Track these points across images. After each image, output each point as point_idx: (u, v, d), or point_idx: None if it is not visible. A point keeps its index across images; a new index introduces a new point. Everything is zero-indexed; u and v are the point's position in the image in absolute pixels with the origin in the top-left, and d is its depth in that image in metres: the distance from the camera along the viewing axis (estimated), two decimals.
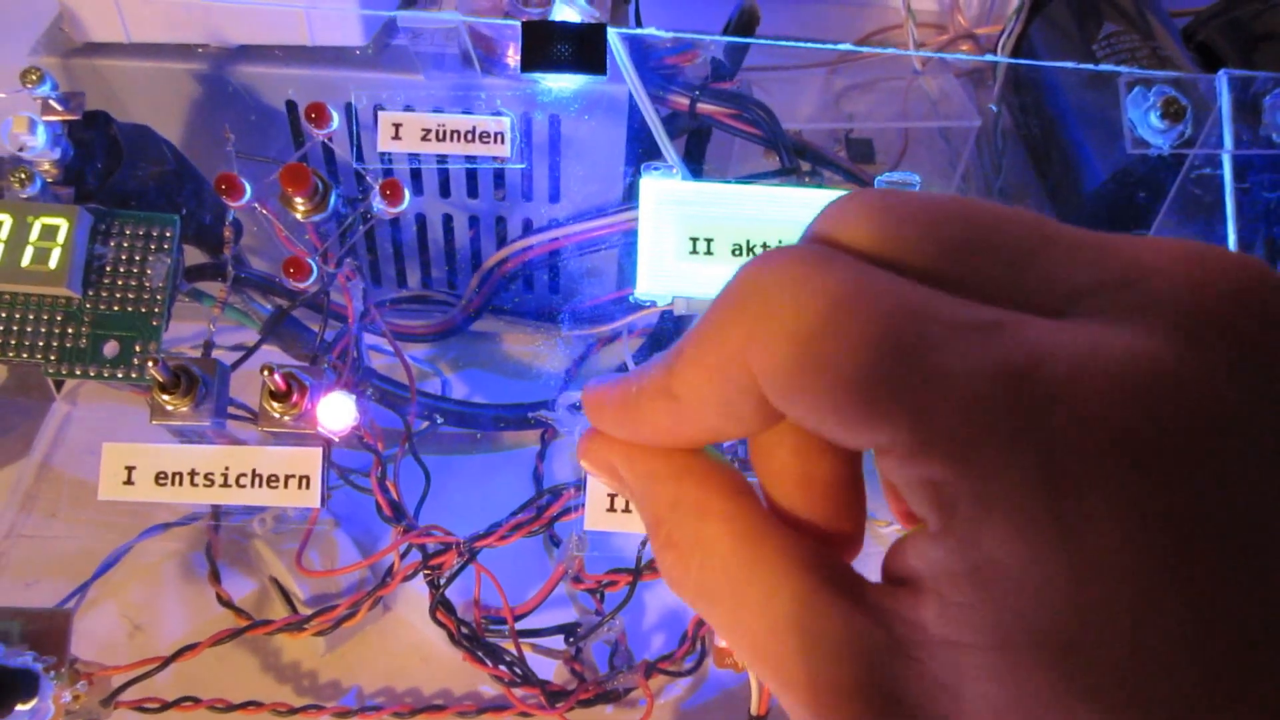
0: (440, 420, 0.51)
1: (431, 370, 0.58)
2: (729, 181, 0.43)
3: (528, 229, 0.55)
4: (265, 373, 0.37)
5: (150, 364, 0.36)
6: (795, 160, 0.54)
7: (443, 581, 0.43)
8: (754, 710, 0.41)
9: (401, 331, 0.55)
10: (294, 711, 0.45)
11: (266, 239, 0.51)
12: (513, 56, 0.49)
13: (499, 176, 0.53)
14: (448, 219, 0.56)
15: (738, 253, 0.41)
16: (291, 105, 0.50)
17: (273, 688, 0.47)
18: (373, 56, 0.50)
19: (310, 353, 0.45)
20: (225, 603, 0.45)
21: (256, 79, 0.49)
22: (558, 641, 0.47)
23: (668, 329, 0.61)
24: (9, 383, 0.56)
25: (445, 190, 0.54)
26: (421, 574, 0.43)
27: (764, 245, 0.41)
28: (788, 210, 0.41)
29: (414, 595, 0.48)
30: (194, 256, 0.46)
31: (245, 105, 0.50)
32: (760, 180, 0.53)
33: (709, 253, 0.41)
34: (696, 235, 0.41)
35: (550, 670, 0.47)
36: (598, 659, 0.48)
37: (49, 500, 0.51)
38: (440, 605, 0.44)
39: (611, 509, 0.39)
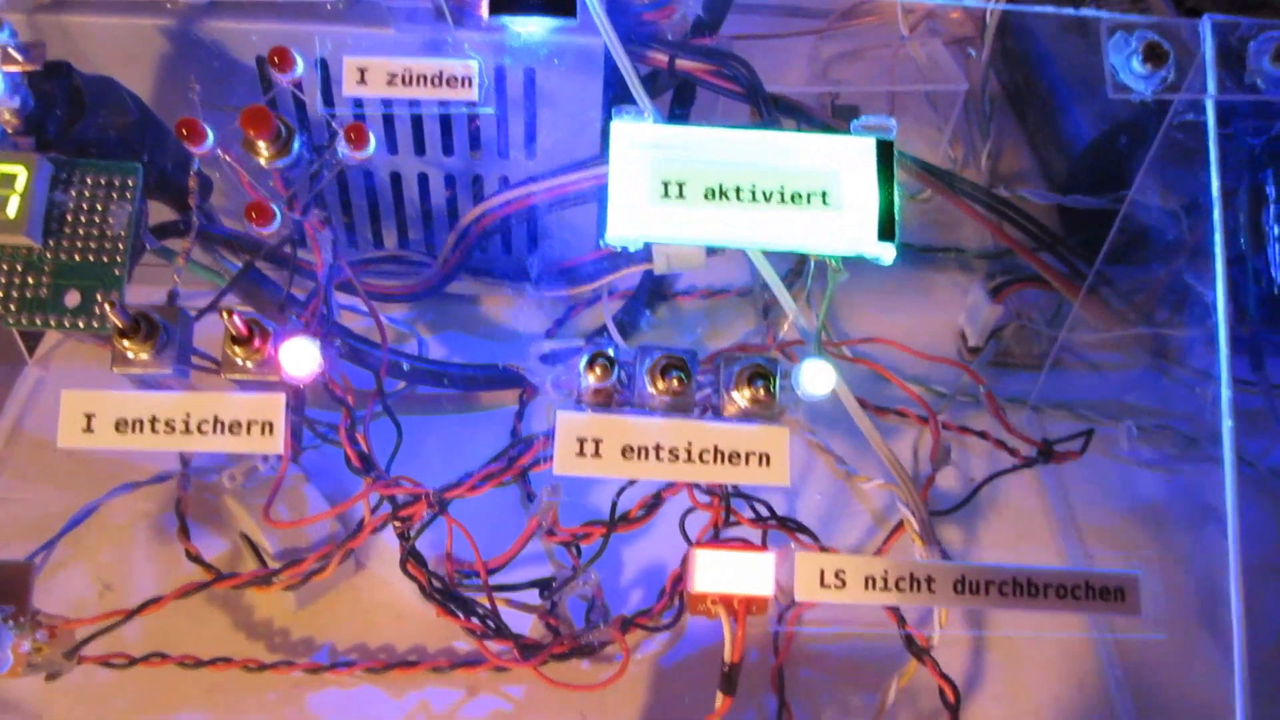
0: (407, 368, 0.50)
1: (409, 332, 0.57)
2: (701, 125, 0.42)
3: (504, 186, 0.55)
4: (225, 315, 0.36)
5: (107, 305, 0.36)
6: (774, 114, 0.54)
7: (413, 533, 0.43)
8: (727, 658, 0.40)
9: (377, 291, 0.54)
10: (264, 667, 0.44)
11: (234, 192, 0.50)
12: (484, 6, 0.49)
13: (474, 134, 0.53)
14: (423, 178, 0.55)
15: (711, 197, 0.40)
16: (261, 60, 0.49)
17: (244, 645, 0.46)
18: (343, 11, 0.49)
19: (278, 305, 0.44)
20: (194, 558, 0.44)
21: (225, 34, 0.49)
22: (533, 597, 0.46)
23: (647, 289, 0.60)
24: None
25: (420, 147, 0.53)
26: (391, 526, 0.43)
27: (738, 190, 0.41)
28: (763, 154, 0.41)
29: (388, 552, 0.48)
30: (163, 215, 0.46)
31: (213, 61, 0.49)
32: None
33: (681, 196, 0.40)
34: (669, 179, 0.40)
35: (526, 626, 0.47)
36: (574, 615, 0.47)
37: (20, 463, 0.51)
38: (410, 557, 0.43)
39: (581, 454, 0.38)
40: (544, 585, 0.46)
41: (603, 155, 0.53)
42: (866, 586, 0.39)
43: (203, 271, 0.48)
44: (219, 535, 0.48)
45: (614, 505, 0.44)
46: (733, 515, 0.44)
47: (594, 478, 0.48)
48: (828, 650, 0.49)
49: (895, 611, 0.45)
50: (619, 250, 0.42)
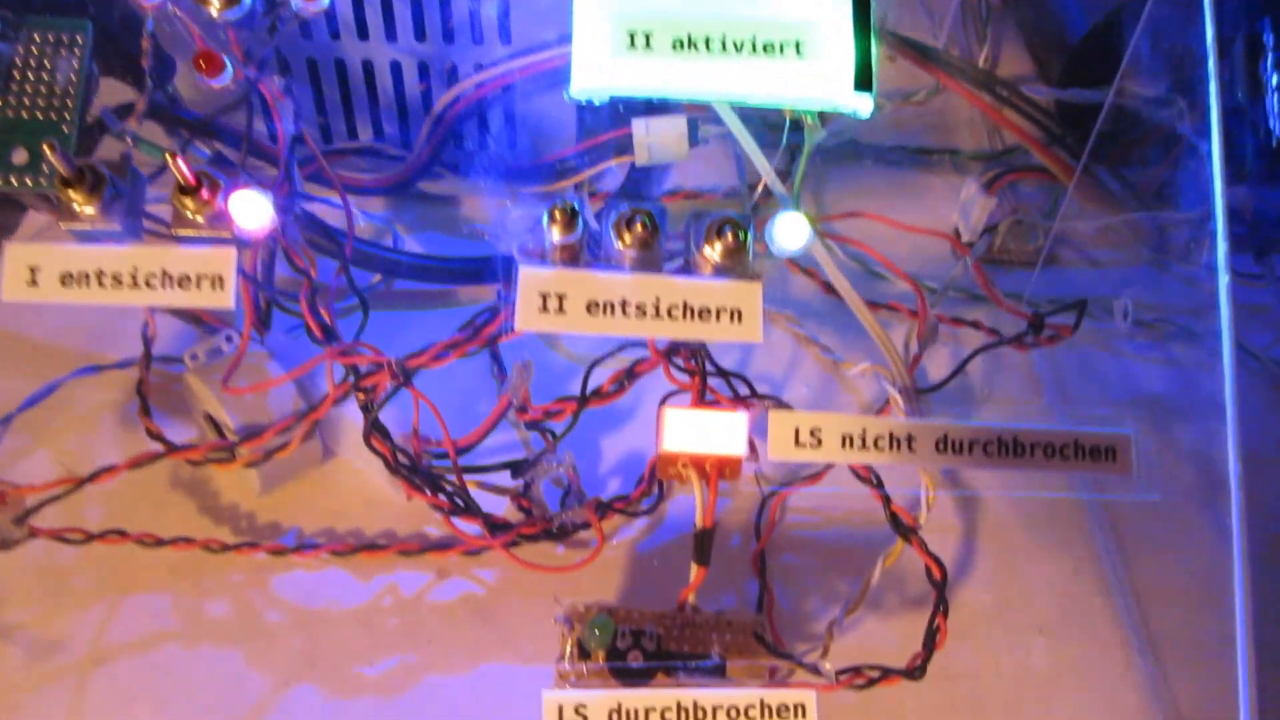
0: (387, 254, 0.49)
1: (385, 227, 0.56)
2: None
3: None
4: (170, 158, 0.35)
5: (47, 148, 0.34)
6: None
7: (376, 405, 0.41)
8: (698, 523, 0.39)
9: (349, 183, 0.53)
10: (227, 548, 0.43)
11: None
12: None
13: (446, 17, 0.51)
14: (396, 67, 0.53)
15: (679, 48, 0.39)
16: None
17: (209, 528, 0.45)
18: None
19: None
20: (154, 435, 0.43)
21: None
22: (507, 480, 0.45)
23: (631, 186, 0.58)
24: None
25: (391, 32, 0.51)
26: (355, 398, 0.42)
27: (707, 40, 0.39)
28: (733, 2, 0.39)
29: (358, 437, 0.46)
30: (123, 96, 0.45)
31: None
32: None
33: (648, 47, 0.39)
34: (635, 30, 0.39)
35: (500, 511, 0.45)
36: (551, 502, 0.46)
37: None
38: (374, 430, 0.42)
39: (544, 309, 0.37)
40: (515, 466, 0.44)
41: None
42: (844, 445, 0.37)
43: (145, 147, 0.46)
44: (185, 423, 0.47)
45: (585, 379, 0.42)
46: (711, 394, 0.43)
47: (568, 365, 0.47)
48: (812, 536, 0.47)
49: (880, 490, 0.43)
50: (586, 103, 0.40)
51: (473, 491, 0.44)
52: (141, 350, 0.46)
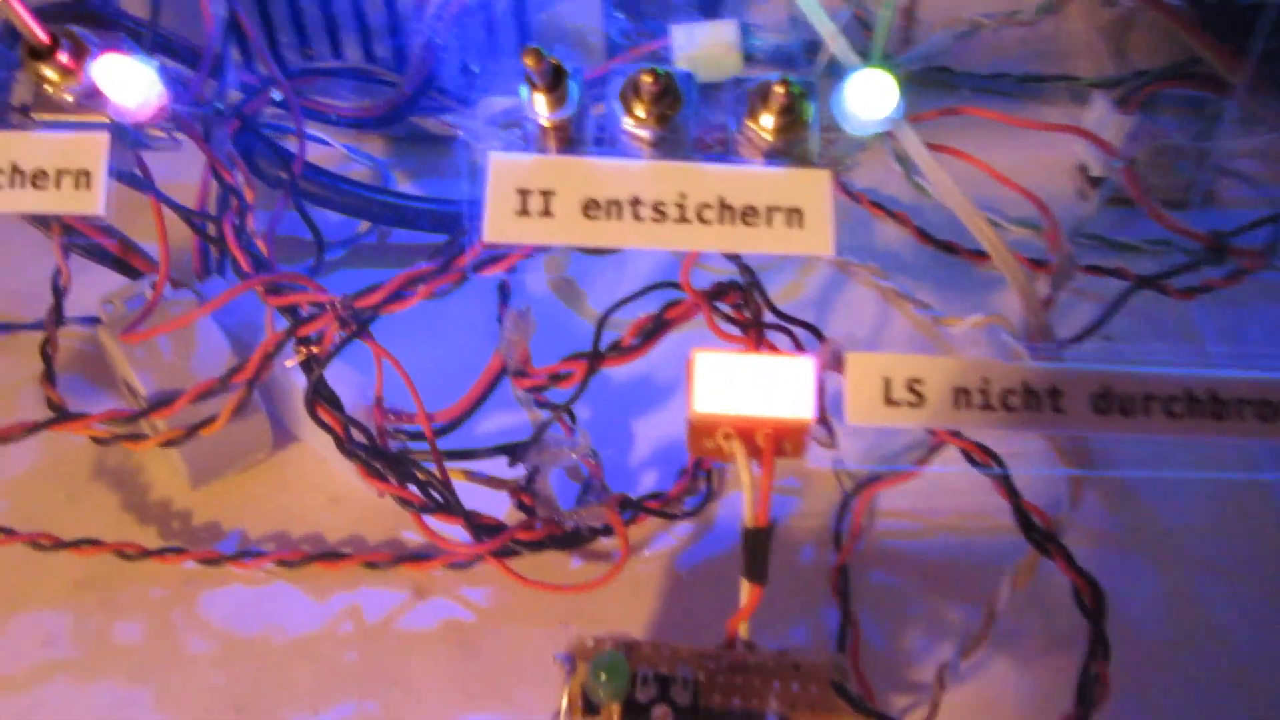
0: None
1: (379, 170, 0.46)
2: None
3: None
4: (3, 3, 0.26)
5: None
6: None
7: (320, 362, 0.31)
8: (747, 521, 0.27)
9: (325, 110, 0.43)
10: (147, 554, 0.34)
11: None
12: None
13: None
14: None
15: None
16: None
17: (133, 528, 0.35)
18: None
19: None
20: (54, 406, 0.33)
21: None
22: (507, 471, 0.34)
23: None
24: None
25: None
26: (294, 351, 0.31)
27: None
28: None
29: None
30: None
31: None
32: None
33: None
34: None
35: (503, 513, 0.35)
36: (567, 501, 0.35)
37: None
38: (318, 396, 0.31)
39: (524, 212, 0.26)
40: (514, 451, 0.34)
41: None
42: (957, 403, 0.26)
43: None
44: (91, 381, 0.38)
45: (598, 330, 0.31)
46: (767, 349, 0.32)
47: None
48: (913, 548, 0.35)
49: (1006, 481, 0.31)
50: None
51: (461, 485, 0.33)
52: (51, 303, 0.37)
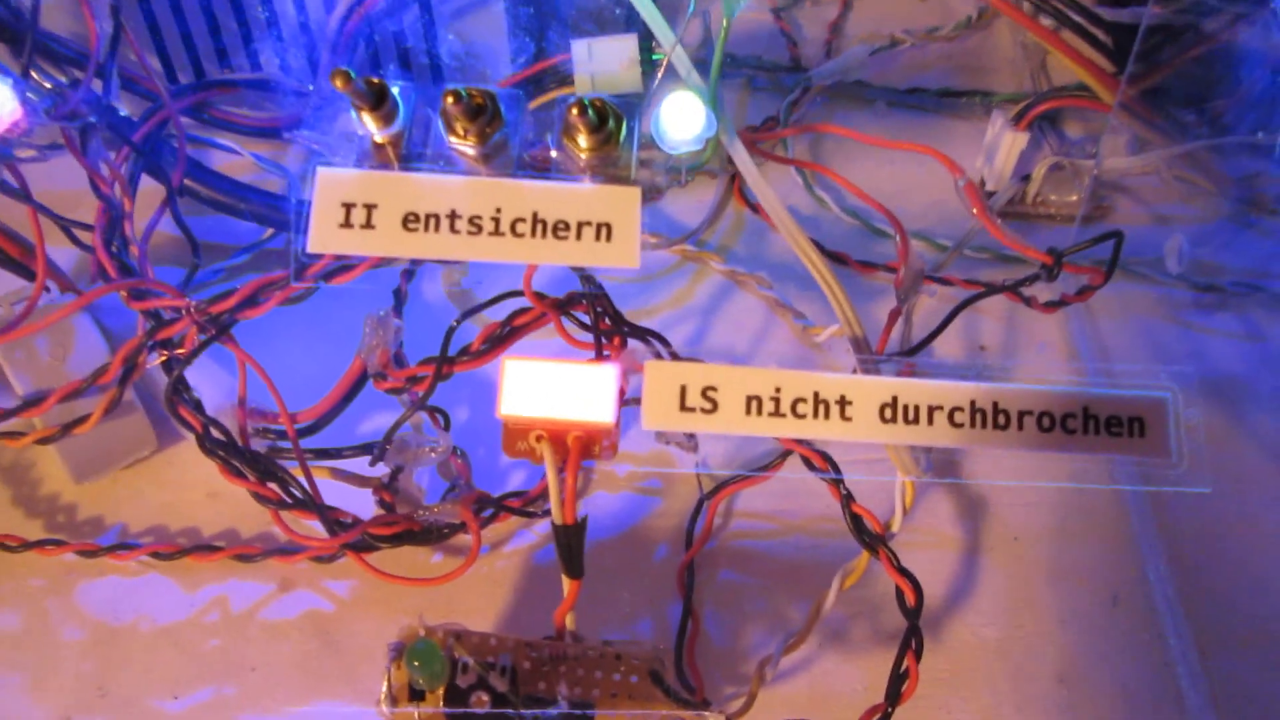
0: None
1: (284, 177, 0.47)
2: None
3: None
4: None
5: None
6: None
7: (178, 361, 0.33)
8: (555, 518, 0.29)
9: (231, 120, 0.45)
10: (27, 546, 0.35)
11: None
12: None
13: None
14: None
15: None
16: None
17: (20, 521, 0.37)
18: None
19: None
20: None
21: None
22: (374, 470, 0.36)
23: None
24: None
25: None
26: (153, 352, 0.33)
27: None
28: None
29: None
30: None
31: None
32: None
33: None
34: None
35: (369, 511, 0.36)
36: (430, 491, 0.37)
37: None
38: (176, 394, 0.33)
39: (347, 224, 0.28)
40: (373, 450, 0.35)
41: None
42: (749, 409, 0.27)
43: None
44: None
45: (448, 334, 0.33)
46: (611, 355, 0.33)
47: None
48: (762, 548, 0.37)
49: (838, 483, 0.33)
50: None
51: (328, 483, 0.35)
52: None
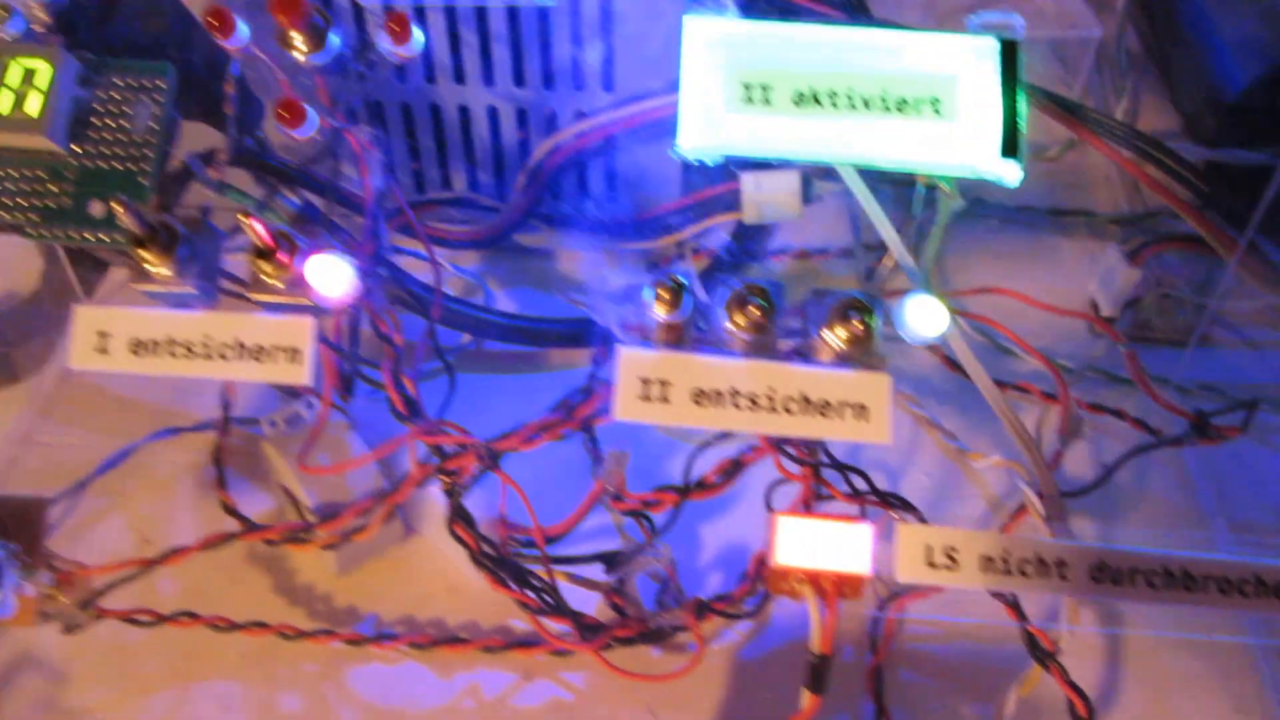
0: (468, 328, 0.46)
1: (477, 283, 0.53)
2: (790, 21, 0.36)
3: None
4: (243, 219, 0.32)
5: (117, 206, 0.32)
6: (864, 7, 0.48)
7: (460, 488, 0.38)
8: (814, 648, 0.34)
9: (440, 236, 0.50)
10: (302, 635, 0.40)
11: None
12: None
13: (547, 62, 0.48)
14: (493, 113, 0.50)
15: (800, 102, 0.35)
16: None
17: (283, 610, 0.42)
18: None
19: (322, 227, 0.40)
20: (229, 509, 0.40)
21: None
22: (600, 574, 0.41)
23: (735, 243, 0.54)
24: (40, 290, 0.53)
25: (489, 76, 0.49)
26: (438, 481, 0.38)
27: (833, 95, 0.35)
28: (863, 55, 0.35)
29: (441, 518, 0.43)
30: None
31: None
32: None
33: (766, 102, 0.35)
34: (751, 82, 0.35)
35: (590, 607, 0.41)
36: (645, 598, 0.42)
37: (68, 407, 0.48)
38: (458, 517, 0.38)
39: (645, 397, 0.33)
40: (610, 559, 0.40)
41: None
42: (983, 568, 0.33)
43: (231, 193, 0.43)
44: (263, 490, 0.44)
45: (688, 470, 0.38)
46: (825, 487, 0.38)
47: (677, 442, 0.43)
48: (935, 651, 0.42)
49: (1015, 607, 0.38)
50: (696, 163, 0.36)
51: (559, 584, 0.40)
52: (220, 413, 0.43)
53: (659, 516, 0.40)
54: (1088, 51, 0.61)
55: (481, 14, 0.46)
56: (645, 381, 0.33)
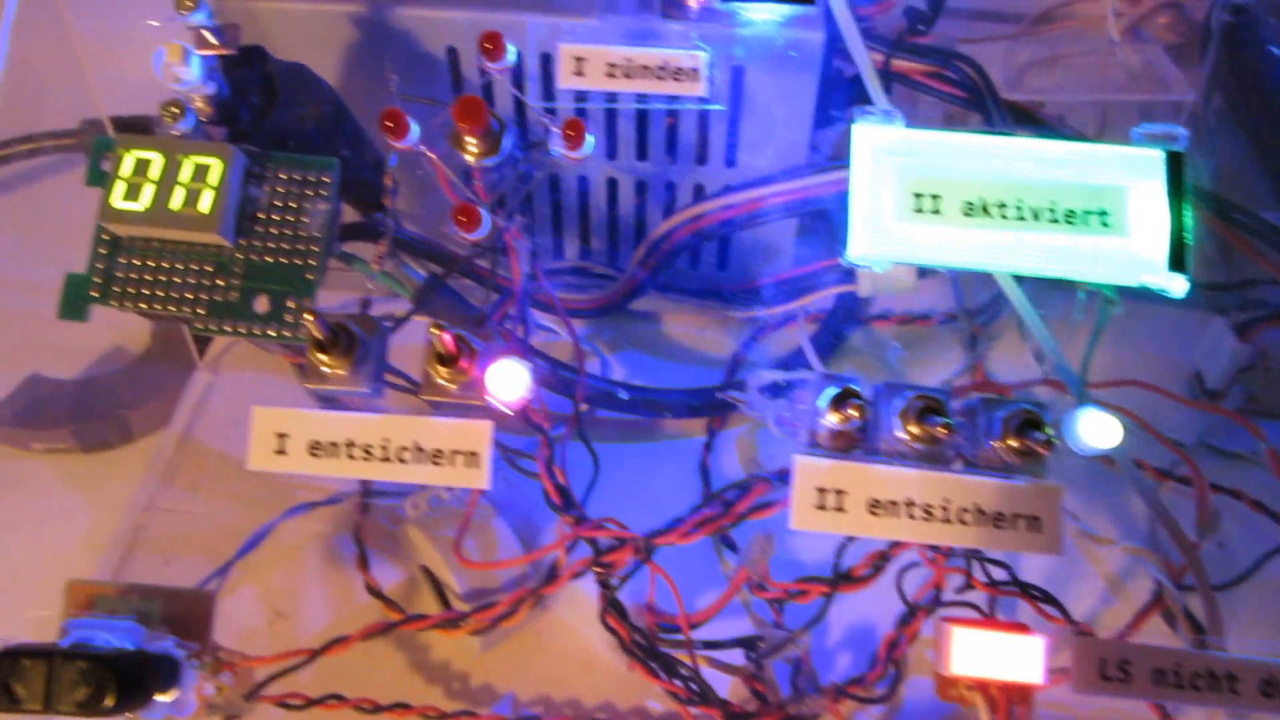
0: (626, 398, 0.46)
1: (590, 349, 0.53)
2: (960, 130, 0.36)
3: (699, 196, 0.50)
4: (434, 332, 0.32)
5: (308, 318, 0.32)
6: (1008, 121, 0.48)
7: (616, 581, 0.38)
8: None
9: (571, 305, 0.50)
10: (444, 716, 0.40)
11: (421, 196, 0.47)
12: None
13: (670, 136, 0.48)
14: (612, 184, 0.51)
15: (970, 213, 0.35)
16: (452, 51, 0.46)
17: (421, 688, 0.42)
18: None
19: (476, 320, 0.40)
20: (375, 592, 0.41)
21: (415, 22, 0.45)
22: (733, 655, 0.41)
23: (842, 312, 0.55)
24: (152, 348, 0.53)
25: (611, 151, 0.49)
26: (591, 572, 0.39)
27: (1001, 206, 0.35)
28: (1031, 166, 0.35)
29: (576, 595, 0.44)
30: (346, 215, 0.43)
31: (402, 51, 0.46)
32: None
33: (936, 212, 0.35)
34: (921, 191, 0.35)
35: (724, 688, 0.42)
36: (778, 678, 0.42)
37: (190, 473, 0.48)
38: (612, 608, 0.39)
39: (821, 506, 0.33)
40: (749, 644, 0.41)
41: (812, 165, 0.49)
42: (1156, 682, 0.33)
43: (385, 279, 0.44)
44: (394, 563, 0.45)
45: (837, 560, 0.39)
46: (967, 579, 0.39)
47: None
48: None
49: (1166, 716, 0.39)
50: (846, 267, 0.37)
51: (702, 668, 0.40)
52: (357, 490, 0.44)
53: (804, 605, 0.40)
54: (1179, 115, 0.62)
55: (611, 97, 0.46)
56: (821, 491, 0.34)
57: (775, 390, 0.39)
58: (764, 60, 0.43)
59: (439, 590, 0.42)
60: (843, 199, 0.49)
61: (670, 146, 0.48)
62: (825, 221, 0.52)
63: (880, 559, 0.39)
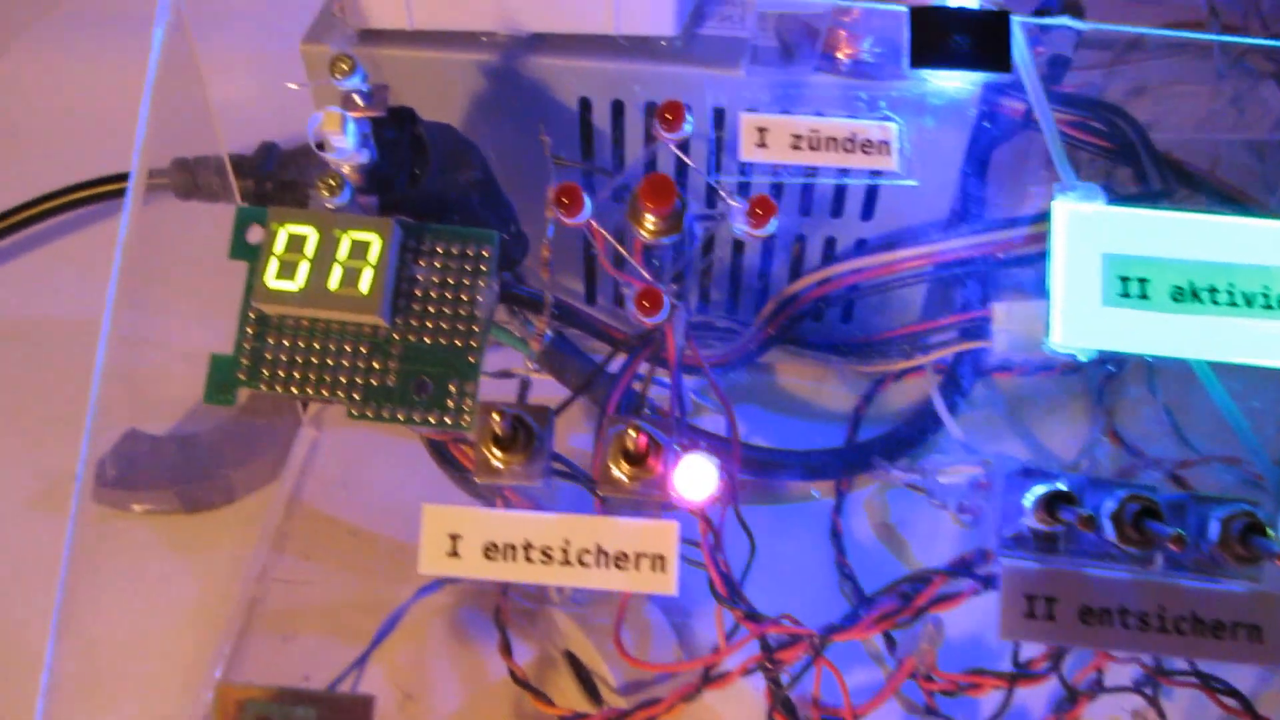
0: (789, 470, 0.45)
1: (709, 405, 0.51)
2: (1166, 208, 0.34)
3: (830, 249, 0.48)
4: (631, 432, 0.30)
5: (495, 416, 0.30)
6: (1170, 182, 0.46)
7: (786, 679, 0.36)
8: None
9: (687, 363, 0.48)
10: None
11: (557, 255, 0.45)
12: (844, 49, 0.42)
13: (805, 192, 0.46)
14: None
15: (1179, 298, 0.33)
16: (585, 103, 0.44)
17: None
18: (680, 49, 0.43)
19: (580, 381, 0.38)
20: (521, 682, 0.38)
21: (547, 72, 0.43)
22: None
23: (967, 369, 0.53)
24: (253, 401, 0.51)
25: None
26: (760, 670, 0.37)
27: (1212, 291, 0.33)
28: (1244, 248, 0.33)
29: (737, 688, 0.41)
30: None
31: (534, 102, 0.44)
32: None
33: (1144, 297, 0.33)
34: (1128, 275, 0.33)
35: None
36: None
37: (301, 539, 0.46)
38: (782, 707, 0.37)
39: (1030, 615, 0.31)
40: None
41: (958, 224, 0.47)
42: None
43: (503, 335, 0.42)
44: (525, 641, 0.42)
45: (1016, 652, 0.37)
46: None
47: None
48: None
49: None
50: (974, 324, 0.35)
51: None
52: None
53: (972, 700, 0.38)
54: None
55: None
56: (1030, 599, 0.32)
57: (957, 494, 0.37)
58: (954, 129, 0.41)
59: (587, 682, 0.40)
60: (986, 261, 0.47)
61: (805, 203, 0.46)
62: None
63: (1057, 653, 0.37)
